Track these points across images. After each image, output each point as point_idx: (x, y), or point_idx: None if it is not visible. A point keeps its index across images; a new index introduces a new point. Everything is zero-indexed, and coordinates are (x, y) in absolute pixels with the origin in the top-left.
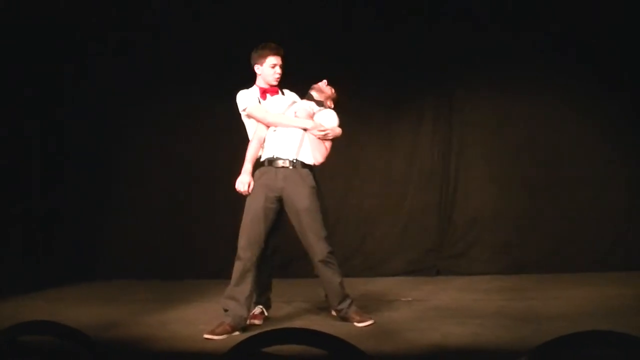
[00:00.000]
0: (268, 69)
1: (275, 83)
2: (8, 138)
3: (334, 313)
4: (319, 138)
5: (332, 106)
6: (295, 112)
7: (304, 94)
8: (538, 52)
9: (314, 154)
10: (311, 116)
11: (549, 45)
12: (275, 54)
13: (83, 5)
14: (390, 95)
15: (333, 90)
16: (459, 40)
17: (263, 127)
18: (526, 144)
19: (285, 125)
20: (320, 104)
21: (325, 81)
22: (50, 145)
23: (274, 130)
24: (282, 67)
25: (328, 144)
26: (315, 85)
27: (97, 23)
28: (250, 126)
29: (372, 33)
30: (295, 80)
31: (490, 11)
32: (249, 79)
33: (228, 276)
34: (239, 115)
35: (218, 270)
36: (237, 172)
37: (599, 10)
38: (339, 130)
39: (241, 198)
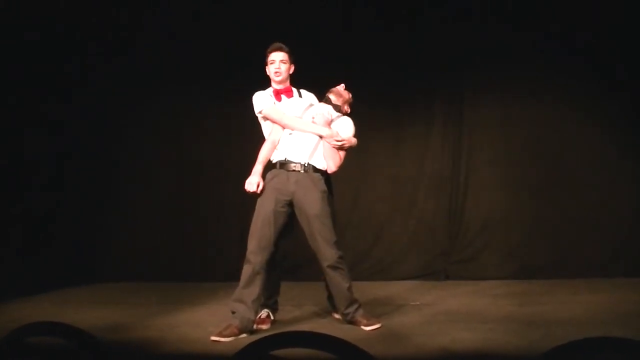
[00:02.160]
0: (269, 66)
1: (275, 79)
2: (8, 138)
3: (337, 316)
4: (334, 147)
5: (349, 110)
6: (313, 117)
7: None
8: (546, 55)
9: (328, 162)
10: (329, 123)
11: (557, 47)
12: (272, 50)
13: (83, 5)
14: (400, 98)
15: (350, 95)
16: (466, 42)
17: (278, 129)
18: (536, 148)
19: (302, 130)
20: (337, 108)
21: (343, 85)
22: (51, 146)
23: (290, 134)
24: (291, 63)
25: (342, 153)
26: (333, 89)
27: (97, 23)
28: (267, 128)
29: (374, 34)
30: (297, 82)
31: (496, 11)
32: (250, 79)
33: (236, 279)
34: (250, 116)
35: (226, 272)
36: (245, 173)
37: (614, 14)
38: (354, 141)
39: (249, 199)
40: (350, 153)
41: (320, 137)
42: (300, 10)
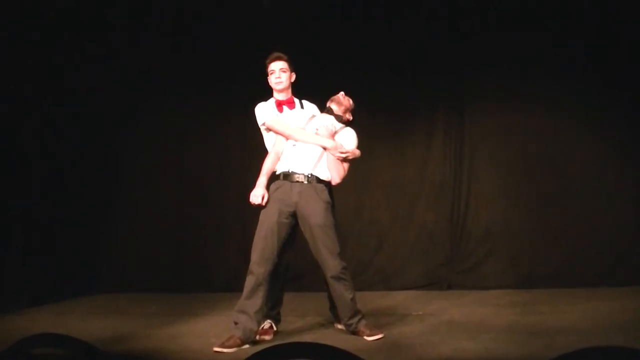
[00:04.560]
0: (269, 76)
1: (277, 87)
2: (8, 146)
3: (340, 327)
4: (338, 159)
5: (351, 118)
6: (317, 129)
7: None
8: (548, 63)
9: (332, 174)
10: (332, 134)
11: (559, 55)
12: (271, 60)
13: (83, 5)
14: (402, 107)
15: (351, 102)
16: (467, 50)
17: (282, 141)
18: (537, 156)
19: (305, 141)
20: (339, 118)
21: (342, 93)
22: (52, 154)
23: (294, 145)
24: (291, 71)
25: (346, 165)
26: (334, 97)
27: (98, 23)
28: (269, 139)
29: (375, 41)
30: (298, 90)
31: (498, 19)
32: (251, 88)
33: (238, 289)
34: (251, 125)
35: (227, 283)
36: (247, 183)
37: (614, 21)
38: (358, 153)
39: (250, 209)
40: (352, 163)
41: (324, 148)
42: (299, 18)
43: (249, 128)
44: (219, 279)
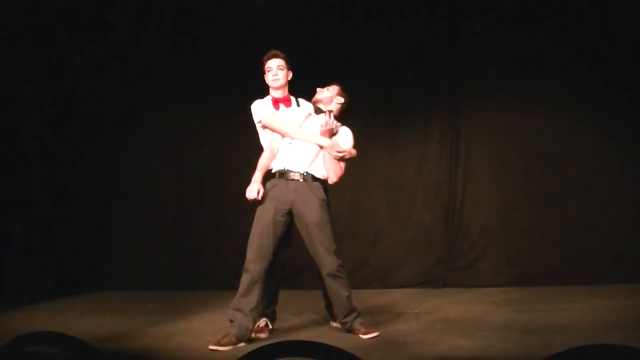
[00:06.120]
0: (266, 74)
1: (274, 85)
2: (8, 145)
3: (335, 325)
4: (335, 158)
5: (342, 100)
6: (327, 121)
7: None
8: (545, 62)
9: (329, 173)
10: (332, 131)
11: (557, 54)
12: (268, 58)
13: (83, 5)
14: (398, 106)
15: (331, 88)
16: (465, 49)
17: (278, 138)
18: (534, 155)
19: (302, 139)
20: (330, 113)
21: (317, 89)
22: (52, 153)
23: (290, 143)
24: (288, 69)
25: (343, 164)
26: (313, 100)
27: (98, 23)
28: (265, 136)
29: (372, 40)
30: (295, 90)
31: (496, 18)
32: (249, 87)
33: (235, 287)
34: (250, 124)
35: (225, 281)
36: (246, 182)
37: (614, 21)
38: (354, 152)
39: (250, 208)
40: (350, 161)
41: (321, 147)
42: (299, 18)
43: (248, 128)
44: (219, 279)
